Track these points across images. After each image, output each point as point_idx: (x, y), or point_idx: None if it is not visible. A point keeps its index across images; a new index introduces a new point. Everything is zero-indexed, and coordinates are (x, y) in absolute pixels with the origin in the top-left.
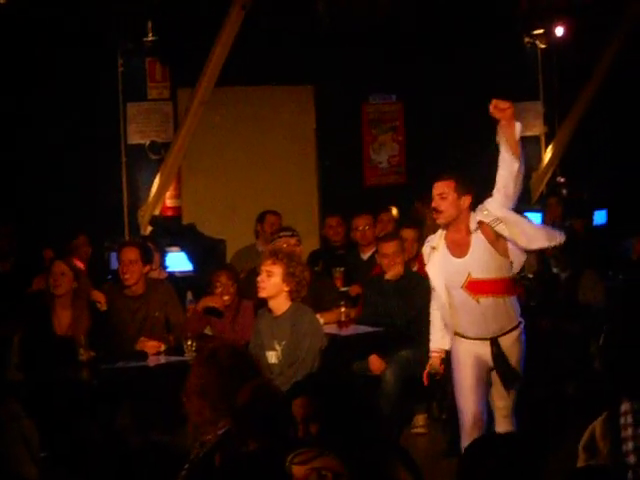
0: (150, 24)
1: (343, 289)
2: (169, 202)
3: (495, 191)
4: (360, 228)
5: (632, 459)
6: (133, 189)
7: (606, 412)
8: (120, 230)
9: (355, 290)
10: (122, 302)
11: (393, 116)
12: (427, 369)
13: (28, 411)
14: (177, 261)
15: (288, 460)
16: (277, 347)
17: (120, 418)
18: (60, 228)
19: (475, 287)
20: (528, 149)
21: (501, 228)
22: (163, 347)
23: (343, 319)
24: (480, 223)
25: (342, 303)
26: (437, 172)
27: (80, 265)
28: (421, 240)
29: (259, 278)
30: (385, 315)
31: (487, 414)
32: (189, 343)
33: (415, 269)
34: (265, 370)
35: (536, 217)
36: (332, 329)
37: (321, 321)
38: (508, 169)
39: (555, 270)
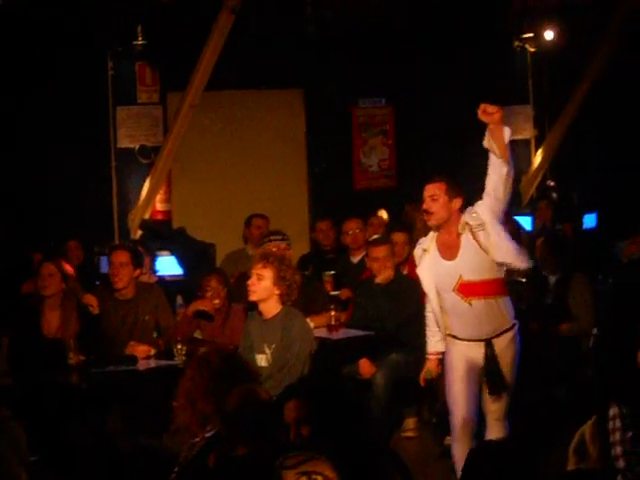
0: (140, 28)
1: (333, 293)
2: (159, 206)
3: (485, 195)
4: (350, 232)
5: (621, 463)
6: (123, 193)
7: (595, 416)
8: (110, 234)
9: (345, 294)
10: (112, 306)
11: (383, 120)
12: (424, 372)
13: (17, 415)
14: (167, 265)
15: (278, 464)
16: (267, 350)
17: (110, 422)
18: (50, 232)
19: (467, 289)
20: (518, 152)
21: (481, 234)
22: (153, 351)
23: (333, 323)
24: (466, 224)
25: (332, 307)
26: (427, 175)
27: (68, 268)
28: (411, 244)
29: (250, 281)
30: (375, 319)
31: (479, 417)
32: (179, 347)
33: (405, 273)
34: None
35: (526, 220)
36: (322, 333)
37: (311, 325)
38: (497, 173)
39: (545, 273)
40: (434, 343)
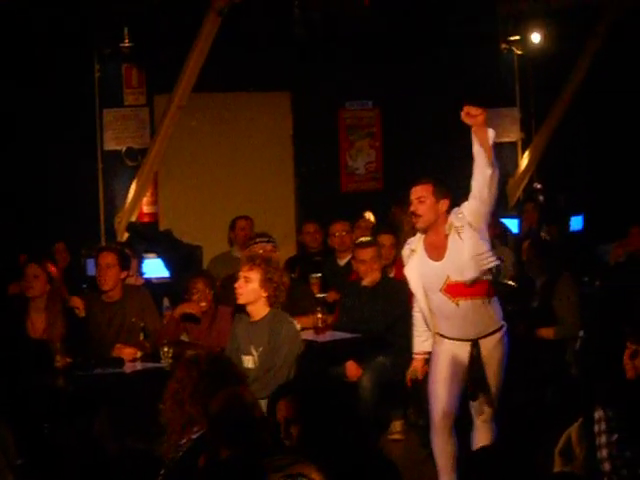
0: (126, 30)
1: (320, 295)
2: (146, 208)
3: (471, 197)
4: (337, 234)
5: (607, 466)
6: (109, 195)
7: (582, 418)
8: (96, 237)
9: (332, 296)
10: (99, 308)
11: (370, 122)
12: (409, 371)
13: (4, 417)
14: (154, 267)
15: (264, 467)
16: (254, 352)
17: (97, 425)
18: (36, 234)
19: (454, 290)
20: (505, 155)
21: (463, 235)
22: (139, 354)
23: (320, 325)
24: (452, 226)
25: (319, 309)
26: (414, 178)
27: (53, 270)
28: (398, 246)
29: (237, 284)
30: (362, 321)
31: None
32: (165, 349)
33: (392, 275)
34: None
35: (513, 223)
36: (309, 335)
37: (298, 327)
38: (482, 175)
39: (531, 275)
40: (420, 343)
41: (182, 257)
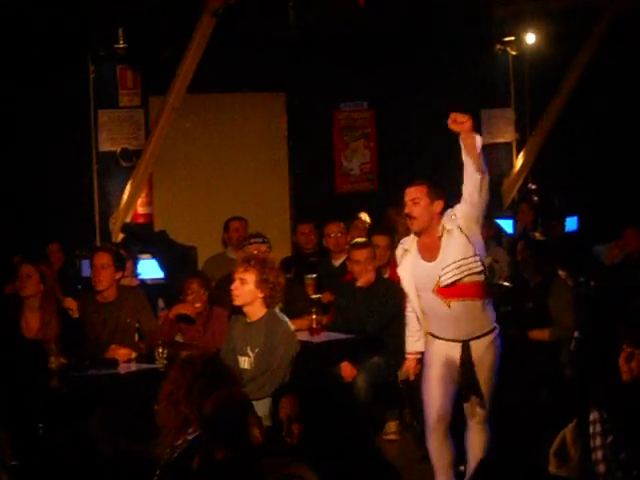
0: (121, 31)
1: (315, 296)
2: (140, 209)
3: (462, 201)
4: (332, 235)
5: (602, 468)
6: (104, 196)
7: (576, 419)
8: (91, 238)
9: (327, 297)
10: (94, 308)
11: (364, 123)
12: (401, 371)
13: None
14: (148, 268)
15: (258, 468)
16: (250, 353)
17: (92, 426)
18: (31, 235)
19: (446, 291)
20: (499, 156)
21: (452, 239)
22: (134, 354)
23: (314, 326)
24: (444, 228)
25: (313, 310)
26: (409, 179)
27: (46, 270)
28: (393, 247)
29: (233, 286)
30: (356, 322)
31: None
32: (160, 350)
33: (387, 276)
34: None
35: (507, 224)
36: (304, 336)
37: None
38: (471, 181)
39: (526, 276)
40: (413, 343)
41: (177, 258)
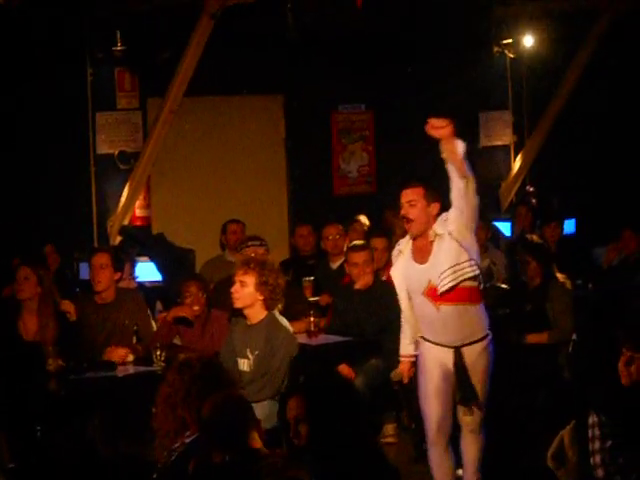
0: (119, 33)
1: (313, 299)
2: (138, 212)
3: (452, 206)
4: (330, 237)
5: (600, 472)
6: (102, 199)
7: (574, 421)
8: (89, 240)
9: (325, 300)
10: (92, 310)
11: (363, 125)
12: (394, 373)
13: None
14: (146, 271)
15: (255, 471)
16: (249, 355)
17: (90, 428)
18: (29, 238)
19: (436, 294)
20: (497, 158)
21: (443, 244)
22: (131, 357)
23: (312, 329)
24: (435, 233)
25: (311, 313)
26: (406, 181)
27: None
28: (390, 249)
29: (233, 288)
30: (354, 325)
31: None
32: (158, 353)
33: (385, 278)
34: (236, 377)
35: (505, 226)
36: (302, 339)
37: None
38: (456, 187)
39: (524, 279)
40: (406, 345)
41: (175, 260)
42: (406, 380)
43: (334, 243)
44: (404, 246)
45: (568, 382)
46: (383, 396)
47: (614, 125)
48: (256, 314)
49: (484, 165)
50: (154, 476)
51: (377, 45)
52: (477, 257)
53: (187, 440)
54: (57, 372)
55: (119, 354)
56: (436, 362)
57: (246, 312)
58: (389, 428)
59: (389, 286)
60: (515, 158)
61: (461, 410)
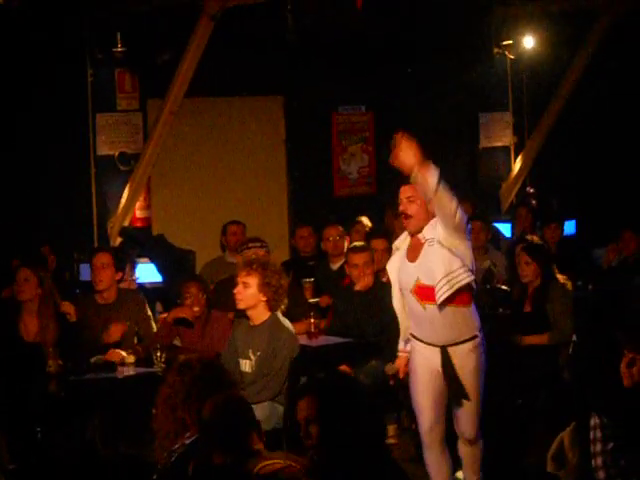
0: (119, 35)
1: (313, 300)
2: (139, 213)
3: (439, 221)
4: (331, 238)
5: (601, 475)
6: (102, 200)
7: (574, 422)
8: (89, 241)
9: (325, 301)
10: (93, 310)
11: (363, 127)
12: (389, 367)
13: None
14: (147, 272)
15: (254, 471)
16: (252, 356)
17: (90, 430)
18: (29, 239)
19: (422, 293)
20: (497, 159)
21: (433, 250)
22: (131, 357)
23: (313, 330)
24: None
25: (312, 314)
26: (406, 182)
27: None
28: (391, 250)
29: (236, 290)
30: (354, 326)
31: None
32: (158, 354)
33: (385, 280)
34: (237, 378)
35: (505, 227)
36: (302, 340)
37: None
38: (440, 216)
39: (524, 280)
40: (401, 341)
41: (175, 262)
42: (402, 375)
43: (334, 244)
44: (402, 242)
45: (568, 383)
46: (384, 397)
47: (614, 126)
48: (259, 315)
49: (484, 166)
50: (154, 477)
51: (377, 46)
52: (472, 264)
53: (187, 441)
54: (57, 373)
55: (116, 355)
56: (424, 361)
57: (249, 313)
58: (390, 429)
59: (389, 287)
60: (515, 159)
61: (455, 421)
